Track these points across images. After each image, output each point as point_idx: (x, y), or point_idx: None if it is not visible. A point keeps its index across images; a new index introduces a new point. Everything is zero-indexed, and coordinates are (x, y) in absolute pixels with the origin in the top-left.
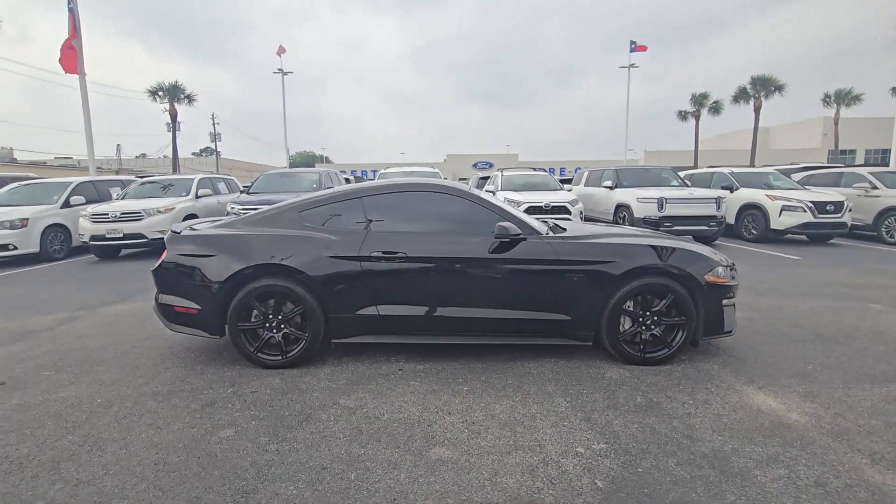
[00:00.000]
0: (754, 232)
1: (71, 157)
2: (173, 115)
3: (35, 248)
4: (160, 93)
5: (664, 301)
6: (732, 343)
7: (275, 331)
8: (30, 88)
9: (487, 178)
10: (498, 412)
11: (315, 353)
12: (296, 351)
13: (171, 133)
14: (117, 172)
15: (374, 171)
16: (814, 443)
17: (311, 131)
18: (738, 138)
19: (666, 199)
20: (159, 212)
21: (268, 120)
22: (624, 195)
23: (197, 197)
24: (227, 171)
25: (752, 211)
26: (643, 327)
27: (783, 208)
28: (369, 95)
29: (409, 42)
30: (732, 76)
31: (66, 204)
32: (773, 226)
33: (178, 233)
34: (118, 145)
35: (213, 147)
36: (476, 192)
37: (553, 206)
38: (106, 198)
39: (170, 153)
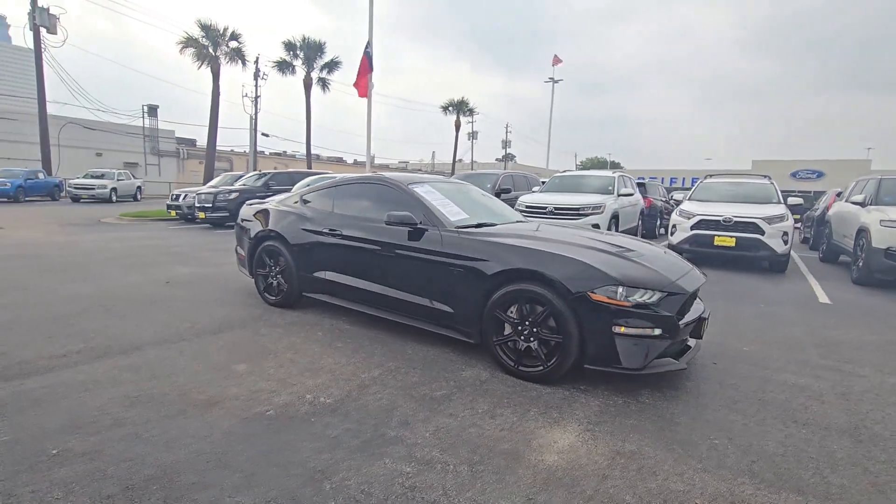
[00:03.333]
0: None
1: (407, 161)
2: (457, 125)
3: None
4: (450, 108)
5: (540, 313)
6: (714, 400)
7: (273, 279)
8: (396, 109)
9: None
10: (320, 363)
11: (296, 299)
12: (282, 295)
13: (469, 141)
14: (430, 174)
15: (652, 178)
16: (506, 474)
17: (615, 134)
18: None
19: None
20: None
21: (567, 125)
22: (870, 216)
23: None
24: None
25: None
26: (521, 337)
27: None
28: (691, 92)
29: (749, 24)
30: None
31: None
32: None
33: (248, 205)
34: (433, 152)
35: (505, 153)
36: (412, 187)
37: (737, 222)
38: None
39: (468, 158)
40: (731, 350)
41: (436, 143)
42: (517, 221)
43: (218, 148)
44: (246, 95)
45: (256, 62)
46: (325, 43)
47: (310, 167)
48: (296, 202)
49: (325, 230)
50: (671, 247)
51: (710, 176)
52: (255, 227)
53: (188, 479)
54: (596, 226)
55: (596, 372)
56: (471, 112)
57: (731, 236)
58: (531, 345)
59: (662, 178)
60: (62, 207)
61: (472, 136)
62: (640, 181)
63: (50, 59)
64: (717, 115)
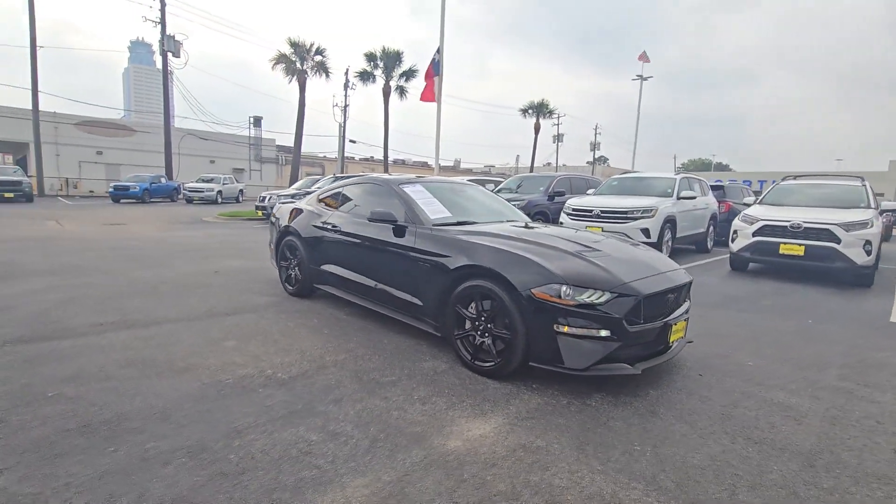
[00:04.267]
0: None
1: (493, 165)
2: (537, 128)
3: None
4: (530, 110)
5: (492, 309)
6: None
7: (291, 270)
8: (483, 114)
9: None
10: (298, 345)
11: (310, 290)
12: (297, 285)
13: (555, 144)
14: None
15: (762, 181)
16: (399, 452)
17: (726, 133)
18: None
19: None
20: None
21: (670, 124)
22: None
23: None
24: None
25: None
26: (477, 332)
27: None
28: (823, 85)
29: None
30: None
31: None
32: None
33: (280, 204)
34: (517, 156)
35: (593, 156)
36: (401, 187)
37: (807, 229)
38: None
39: (554, 161)
40: (731, 364)
41: (521, 147)
42: (507, 221)
43: (311, 153)
44: (336, 105)
45: (346, 73)
46: (402, 53)
47: (386, 171)
48: (315, 202)
49: (329, 226)
50: (731, 255)
51: (796, 177)
52: (281, 224)
53: (131, 425)
54: (645, 230)
55: (554, 372)
56: (551, 114)
57: (800, 244)
58: (486, 340)
59: (774, 181)
60: (176, 208)
61: (558, 138)
62: (719, 184)
63: (176, 79)
64: (854, 111)
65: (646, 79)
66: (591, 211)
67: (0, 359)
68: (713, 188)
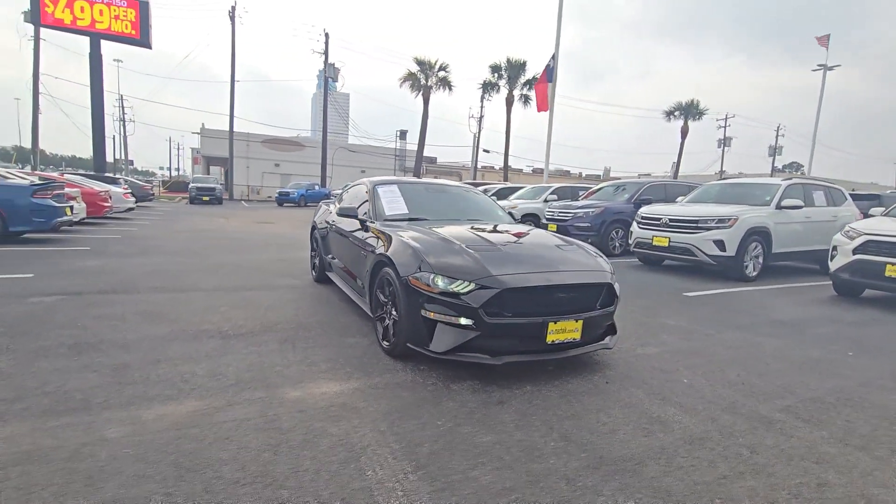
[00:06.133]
0: None
1: (649, 173)
2: (684, 132)
3: None
4: (676, 112)
5: (393, 293)
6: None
7: (315, 259)
8: (643, 119)
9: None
10: (268, 316)
11: (326, 277)
12: (317, 272)
13: (720, 149)
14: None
15: None
16: (244, 391)
17: None
18: None
19: None
20: None
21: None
22: None
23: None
24: None
25: None
26: (386, 315)
27: None
28: None
29: None
30: None
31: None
32: None
33: (323, 203)
34: (673, 163)
35: (773, 161)
36: (376, 187)
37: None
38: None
39: (718, 167)
40: (662, 378)
41: (685, 153)
42: (468, 220)
43: (449, 162)
44: (472, 116)
45: (483, 86)
46: (525, 62)
47: (506, 179)
48: (337, 201)
49: (331, 221)
50: (830, 276)
51: None
52: (314, 220)
53: (100, 347)
54: (719, 242)
55: (450, 359)
56: (700, 115)
57: None
58: (389, 322)
59: None
60: None
61: (724, 142)
62: (872, 195)
63: (334, 99)
64: None
65: (831, 68)
66: (659, 220)
67: (79, 301)
68: (864, 197)
